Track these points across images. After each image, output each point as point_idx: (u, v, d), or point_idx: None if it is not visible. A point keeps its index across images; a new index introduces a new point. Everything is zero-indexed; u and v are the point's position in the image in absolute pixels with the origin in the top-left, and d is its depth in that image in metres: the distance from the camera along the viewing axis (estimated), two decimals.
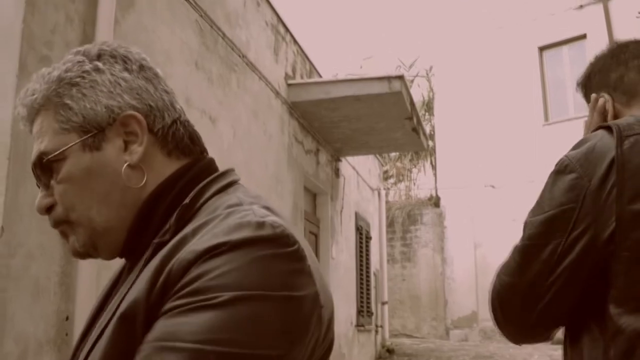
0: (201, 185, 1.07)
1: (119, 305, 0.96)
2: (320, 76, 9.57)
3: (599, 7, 14.77)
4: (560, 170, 1.47)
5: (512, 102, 15.61)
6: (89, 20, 3.99)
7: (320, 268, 1.02)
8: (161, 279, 0.89)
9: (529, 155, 15.04)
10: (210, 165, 1.14)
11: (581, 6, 15.07)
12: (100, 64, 1.08)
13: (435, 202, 17.29)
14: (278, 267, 0.89)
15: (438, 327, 16.21)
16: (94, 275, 3.74)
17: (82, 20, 3.95)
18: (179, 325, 0.84)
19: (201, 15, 5.49)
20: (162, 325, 0.85)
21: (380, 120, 8.63)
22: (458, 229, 16.17)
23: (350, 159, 11.07)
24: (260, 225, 0.91)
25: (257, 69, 6.91)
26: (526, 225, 1.54)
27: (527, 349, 12.86)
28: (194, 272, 0.86)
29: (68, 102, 1.06)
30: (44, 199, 1.09)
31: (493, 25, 16.24)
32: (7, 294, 3.16)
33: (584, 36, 15.10)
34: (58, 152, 1.05)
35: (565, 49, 15.52)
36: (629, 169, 1.34)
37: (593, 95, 1.76)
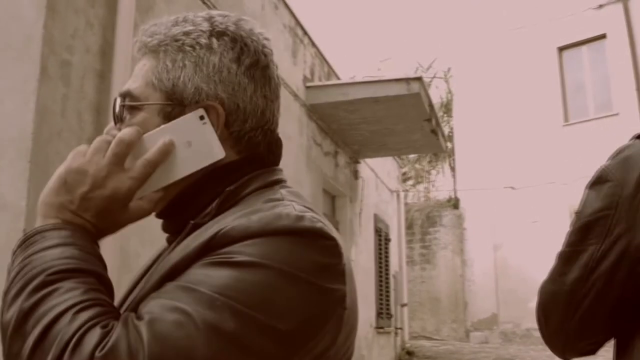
0: (248, 176, 1.08)
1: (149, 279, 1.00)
2: (339, 78, 9.57)
3: (619, 7, 14.65)
4: (597, 180, 1.49)
5: (531, 102, 15.51)
6: (108, 25, 4.02)
7: (354, 276, 1.02)
8: (198, 248, 0.91)
9: (549, 156, 14.94)
10: (263, 165, 1.13)
11: (601, 6, 14.95)
12: (215, 44, 1.07)
13: (454, 203, 17.21)
14: (309, 256, 0.90)
15: (458, 329, 16.14)
16: (115, 275, 3.76)
17: (101, 24, 3.99)
18: (199, 275, 0.87)
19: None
20: (186, 273, 0.89)
21: (399, 122, 8.61)
22: (477, 231, 16.09)
23: (368, 160, 11.06)
24: (300, 218, 0.93)
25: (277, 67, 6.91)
26: (567, 232, 1.52)
27: (548, 351, 12.74)
28: (228, 247, 0.89)
29: (169, 64, 1.07)
30: (112, 130, 1.09)
31: (511, 26, 16.15)
32: None
33: (603, 36, 14.98)
34: (137, 103, 1.07)
35: (584, 49, 15.40)
36: None
37: None
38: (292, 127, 7.41)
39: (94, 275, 0.93)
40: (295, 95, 7.58)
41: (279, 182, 1.11)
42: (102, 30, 3.99)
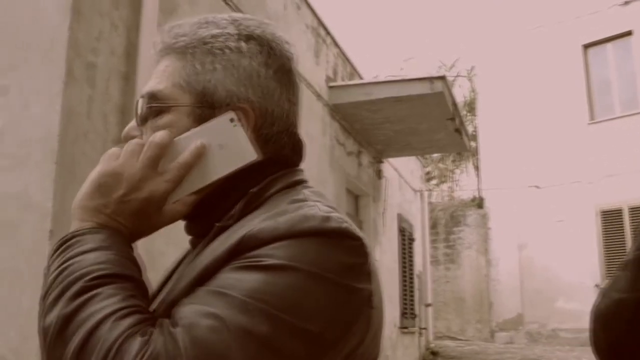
0: (271, 178, 1.08)
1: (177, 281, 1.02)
2: (362, 78, 9.56)
3: None
4: None
5: (556, 101, 15.38)
6: (132, 27, 4.05)
7: (380, 276, 1.03)
8: (226, 252, 0.92)
9: (574, 154, 14.80)
10: (285, 166, 1.13)
11: (626, 2, 14.78)
12: (244, 48, 1.08)
13: (478, 203, 17.11)
14: (337, 256, 0.91)
15: (483, 329, 16.04)
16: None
17: (126, 26, 4.02)
18: (230, 279, 0.87)
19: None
20: (216, 278, 0.89)
21: (422, 121, 8.59)
22: (502, 230, 15.98)
23: (392, 160, 11.04)
24: (326, 218, 0.93)
25: (298, 71, 6.92)
26: (637, 235, 1.37)
27: (575, 351, 12.66)
28: (256, 250, 0.89)
29: (198, 67, 1.07)
30: (133, 130, 1.10)
31: (535, 24, 16.02)
32: None
33: (629, 33, 14.79)
34: (166, 103, 1.07)
35: (610, 46, 15.23)
36: None
37: None
38: (315, 127, 7.41)
39: (131, 280, 0.93)
40: (318, 95, 7.59)
41: (301, 183, 1.11)
42: (127, 32, 4.03)
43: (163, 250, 4.02)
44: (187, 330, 0.82)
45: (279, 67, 1.10)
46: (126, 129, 1.12)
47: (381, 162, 10.29)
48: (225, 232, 1.00)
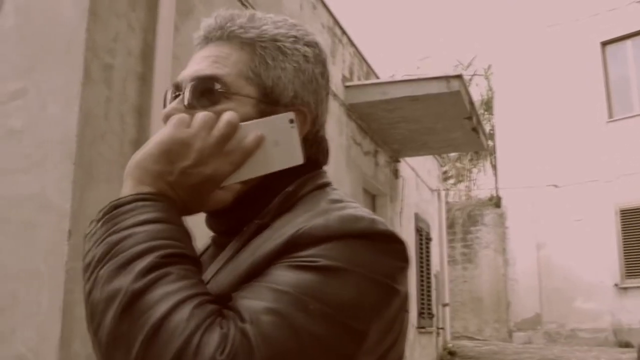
0: (304, 177, 1.10)
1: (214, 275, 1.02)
2: (378, 77, 9.54)
3: None
4: None
5: (574, 99, 15.27)
6: (149, 28, 4.07)
7: None
8: (278, 247, 0.92)
9: (593, 153, 14.69)
10: (314, 168, 1.16)
11: None
12: (310, 54, 1.12)
13: (496, 202, 17.03)
14: (387, 259, 0.94)
15: (500, 329, 15.97)
16: None
17: (142, 28, 4.04)
18: (285, 277, 0.87)
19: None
20: (269, 273, 0.89)
21: (439, 120, 8.56)
22: (520, 230, 15.90)
23: (409, 159, 11.01)
24: (374, 221, 0.95)
25: None
26: None
27: (594, 351, 12.57)
28: (309, 248, 0.90)
29: (270, 62, 1.08)
30: (177, 112, 1.05)
31: (552, 22, 15.91)
32: (74, 295, 3.24)
33: None
34: (232, 89, 1.06)
35: (629, 43, 15.10)
36: None
37: None
38: (331, 127, 7.41)
39: (197, 263, 0.93)
40: (335, 95, 7.58)
41: (329, 184, 1.14)
42: (143, 33, 4.04)
43: None
44: (256, 325, 0.82)
45: (327, 79, 1.16)
46: (169, 108, 1.08)
47: (398, 161, 10.27)
48: (265, 230, 1.00)
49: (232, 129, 0.99)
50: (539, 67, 15.95)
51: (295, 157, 1.04)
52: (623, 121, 14.69)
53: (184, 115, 1.00)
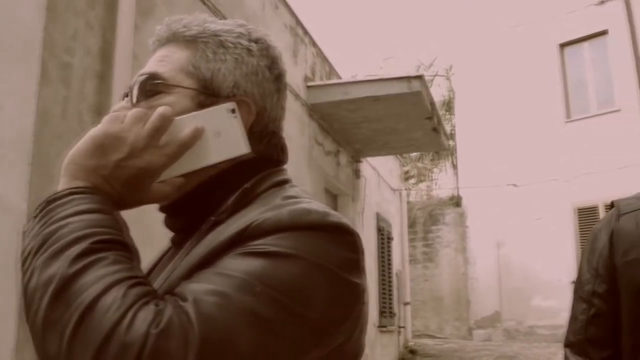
0: (261, 175, 1.10)
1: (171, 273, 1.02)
2: (340, 77, 9.57)
3: (620, 3, 14.62)
4: None
5: (533, 99, 15.49)
6: (109, 26, 4.02)
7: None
8: (229, 240, 0.93)
9: (551, 153, 14.92)
10: (273, 165, 1.17)
11: (602, 2, 14.92)
12: (254, 49, 1.13)
13: (456, 201, 17.20)
14: (338, 250, 0.94)
15: (461, 327, 16.13)
16: None
17: (102, 26, 3.99)
18: (234, 264, 0.88)
19: (220, 19, 5.50)
20: (220, 262, 0.90)
21: (401, 120, 8.61)
22: (480, 229, 16.08)
23: (370, 159, 11.06)
24: (327, 214, 0.96)
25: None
26: None
27: (552, 348, 12.76)
28: (262, 238, 0.91)
29: (210, 55, 1.10)
30: (126, 109, 1.07)
31: (513, 23, 16.12)
32: None
33: (605, 32, 14.94)
34: (171, 83, 1.09)
35: (586, 45, 15.37)
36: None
37: None
38: (293, 126, 7.41)
39: (132, 251, 0.93)
40: (297, 95, 7.58)
41: (288, 182, 1.14)
42: (103, 31, 3.99)
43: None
44: (196, 304, 0.83)
45: (279, 74, 1.17)
46: (115, 107, 1.11)
47: (359, 161, 10.30)
48: (219, 226, 1.00)
49: (164, 121, 1.00)
50: (499, 68, 16.15)
51: (239, 147, 1.04)
52: (580, 122, 14.94)
53: (118, 113, 1.02)
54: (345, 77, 10.22)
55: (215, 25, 1.14)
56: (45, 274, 0.84)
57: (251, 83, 1.11)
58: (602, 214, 13.99)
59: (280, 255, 0.88)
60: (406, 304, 13.17)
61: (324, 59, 8.96)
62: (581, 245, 14.24)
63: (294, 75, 7.61)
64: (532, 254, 14.80)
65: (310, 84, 8.06)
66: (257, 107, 1.11)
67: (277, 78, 1.16)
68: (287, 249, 0.89)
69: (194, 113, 1.05)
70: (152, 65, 1.12)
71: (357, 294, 0.96)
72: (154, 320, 0.80)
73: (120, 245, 0.90)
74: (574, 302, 1.99)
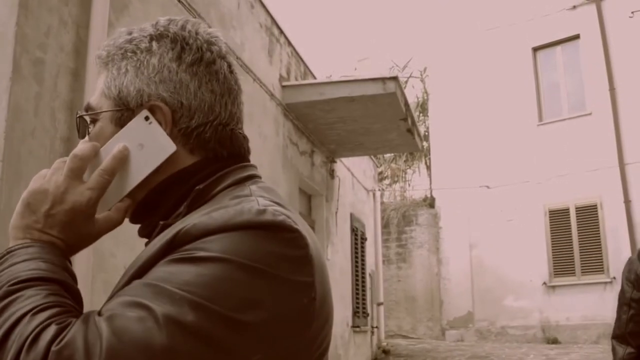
0: (219, 174, 1.09)
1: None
2: (315, 78, 9.57)
3: (592, 8, 14.81)
4: None
5: (506, 102, 15.63)
6: (82, 23, 3.98)
7: (326, 267, 1.04)
8: (162, 247, 0.93)
9: (524, 155, 15.07)
10: (235, 164, 1.14)
11: (574, 7, 15.10)
12: (155, 46, 1.10)
13: (430, 203, 17.28)
14: (269, 247, 0.91)
15: (434, 327, 16.22)
16: (89, 278, 3.73)
17: (75, 23, 3.95)
18: (161, 272, 0.89)
19: (195, 17, 5.48)
20: (151, 271, 0.91)
21: (375, 121, 8.63)
22: (453, 230, 16.18)
23: (345, 160, 11.08)
24: (261, 212, 0.94)
25: (252, 70, 6.92)
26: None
27: (523, 348, 12.88)
28: (191, 244, 0.90)
29: (115, 72, 1.10)
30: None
31: (486, 26, 16.24)
32: None
33: (577, 36, 15.12)
34: (93, 112, 1.12)
35: (558, 49, 15.54)
36: None
37: None
38: (268, 126, 7.40)
39: (59, 283, 0.94)
40: (272, 95, 7.57)
41: (251, 178, 1.12)
42: (76, 28, 3.96)
43: (113, 251, 3.96)
44: (111, 319, 0.83)
45: (194, 60, 1.10)
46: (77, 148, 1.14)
47: (334, 161, 10.32)
48: (167, 229, 1.00)
49: (78, 160, 1.04)
50: (473, 70, 16.27)
51: (165, 149, 1.05)
52: (553, 124, 15.10)
53: (42, 171, 1.08)
54: (320, 77, 10.23)
55: (126, 36, 1.13)
56: None
57: (155, 84, 1.08)
58: (573, 215, 14.17)
59: (204, 260, 0.87)
60: (379, 304, 13.20)
61: (299, 59, 8.96)
62: (552, 246, 14.40)
63: (269, 74, 7.60)
64: (504, 255, 14.93)
65: (285, 83, 8.06)
66: (171, 105, 1.08)
67: (193, 64, 1.10)
68: (213, 252, 0.88)
69: (115, 136, 1.07)
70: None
71: (297, 290, 0.92)
72: (55, 338, 0.82)
73: (40, 280, 0.92)
74: (618, 306, 2.82)
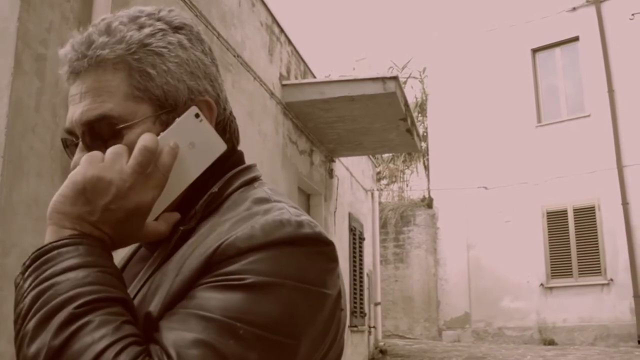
0: (229, 175, 1.07)
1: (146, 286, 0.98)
2: (315, 77, 9.56)
3: (592, 9, 14.83)
4: None
5: (505, 103, 15.65)
6: (84, 19, 3.98)
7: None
8: (203, 263, 0.89)
9: (522, 156, 15.08)
10: (239, 158, 1.13)
11: (574, 8, 15.11)
12: (185, 40, 1.05)
13: (428, 203, 17.29)
14: (315, 264, 0.91)
15: (431, 328, 16.22)
16: None
17: (77, 19, 3.94)
18: (212, 300, 0.84)
19: (196, 15, 5.48)
20: (195, 296, 0.86)
21: (375, 121, 8.63)
22: (451, 230, 16.19)
23: (344, 159, 11.08)
24: (300, 224, 0.92)
25: (252, 69, 6.91)
26: None
27: (520, 349, 12.89)
28: (235, 263, 0.87)
29: (150, 71, 1.01)
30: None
31: (486, 27, 16.25)
32: (1, 292, 3.15)
33: (576, 38, 15.14)
34: (133, 121, 0.99)
35: (558, 50, 15.56)
36: None
37: None
38: (267, 125, 7.39)
39: (121, 302, 0.88)
40: (272, 93, 7.57)
41: (257, 179, 1.10)
42: (78, 24, 3.95)
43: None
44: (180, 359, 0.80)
45: (207, 50, 1.09)
46: (75, 159, 1.03)
47: (333, 161, 10.32)
48: (192, 235, 0.97)
49: (149, 155, 0.94)
50: (472, 71, 16.28)
51: (216, 147, 1.01)
52: (551, 126, 15.12)
53: (96, 152, 0.95)
54: (320, 76, 10.23)
55: (133, 32, 1.02)
56: (34, 346, 0.82)
57: (200, 79, 1.04)
58: (571, 217, 14.18)
59: (257, 286, 0.84)
60: (377, 304, 13.20)
61: (300, 58, 8.96)
62: (550, 247, 14.42)
63: (270, 73, 7.59)
64: (501, 256, 14.94)
65: (285, 82, 8.05)
66: (214, 98, 1.06)
67: (209, 55, 1.09)
68: (263, 276, 0.85)
69: (162, 134, 0.98)
70: (89, 103, 1.00)
71: (335, 303, 0.94)
72: None
73: (108, 302, 0.85)
74: None
